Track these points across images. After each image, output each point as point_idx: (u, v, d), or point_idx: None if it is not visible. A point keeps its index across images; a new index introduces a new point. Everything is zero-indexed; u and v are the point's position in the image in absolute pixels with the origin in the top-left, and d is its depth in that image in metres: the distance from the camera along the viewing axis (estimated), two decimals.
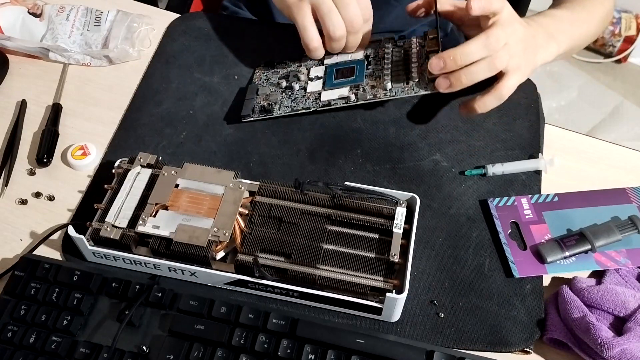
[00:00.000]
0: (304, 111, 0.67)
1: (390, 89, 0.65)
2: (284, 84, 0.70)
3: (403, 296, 0.52)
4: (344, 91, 0.67)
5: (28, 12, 0.76)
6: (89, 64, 0.74)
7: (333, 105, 0.66)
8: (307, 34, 0.64)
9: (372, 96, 0.65)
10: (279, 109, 0.67)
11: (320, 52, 0.66)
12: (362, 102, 0.66)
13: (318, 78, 0.69)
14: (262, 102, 0.69)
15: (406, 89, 0.65)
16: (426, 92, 0.64)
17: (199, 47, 0.76)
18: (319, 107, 0.66)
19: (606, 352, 0.51)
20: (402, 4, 0.81)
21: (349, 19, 0.64)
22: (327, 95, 0.67)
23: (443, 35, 0.77)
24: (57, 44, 0.73)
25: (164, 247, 0.56)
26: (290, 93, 0.69)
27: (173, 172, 0.60)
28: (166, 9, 0.86)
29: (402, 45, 0.70)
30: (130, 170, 0.60)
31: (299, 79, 0.70)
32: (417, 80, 0.65)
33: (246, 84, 0.72)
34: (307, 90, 0.68)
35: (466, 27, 0.69)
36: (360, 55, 0.70)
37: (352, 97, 0.66)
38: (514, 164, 0.65)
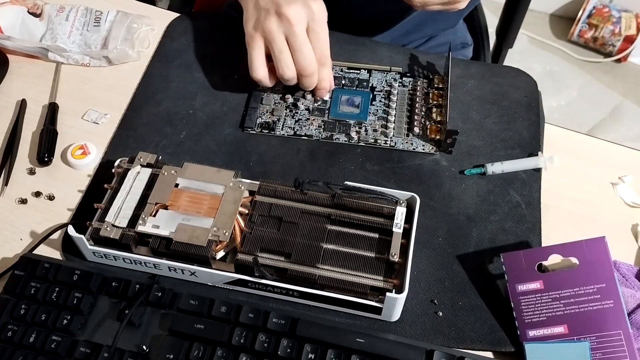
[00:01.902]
0: (306, 138, 0.68)
1: (390, 138, 0.67)
2: (290, 99, 0.70)
3: (403, 296, 0.52)
4: (347, 127, 0.68)
5: (28, 11, 0.76)
6: (88, 64, 0.74)
7: (335, 140, 0.67)
8: (252, 65, 0.65)
9: (373, 140, 0.67)
10: (282, 129, 0.68)
11: (266, 83, 0.67)
12: (364, 144, 0.67)
13: (324, 101, 0.70)
14: (265, 118, 0.69)
15: (406, 142, 0.67)
16: (424, 151, 0.66)
17: (199, 46, 0.76)
18: (321, 138, 0.67)
19: None
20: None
21: (300, 64, 0.64)
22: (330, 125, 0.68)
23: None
24: (56, 44, 0.73)
25: (163, 246, 0.56)
26: (294, 112, 0.69)
27: (173, 171, 0.60)
28: (167, 9, 0.86)
29: (408, 86, 0.71)
30: (130, 169, 0.60)
31: (304, 97, 0.70)
32: (418, 133, 0.67)
33: (247, 84, 0.72)
34: (311, 117, 0.69)
35: None
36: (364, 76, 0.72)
37: (355, 137, 0.67)
38: (513, 162, 0.65)
